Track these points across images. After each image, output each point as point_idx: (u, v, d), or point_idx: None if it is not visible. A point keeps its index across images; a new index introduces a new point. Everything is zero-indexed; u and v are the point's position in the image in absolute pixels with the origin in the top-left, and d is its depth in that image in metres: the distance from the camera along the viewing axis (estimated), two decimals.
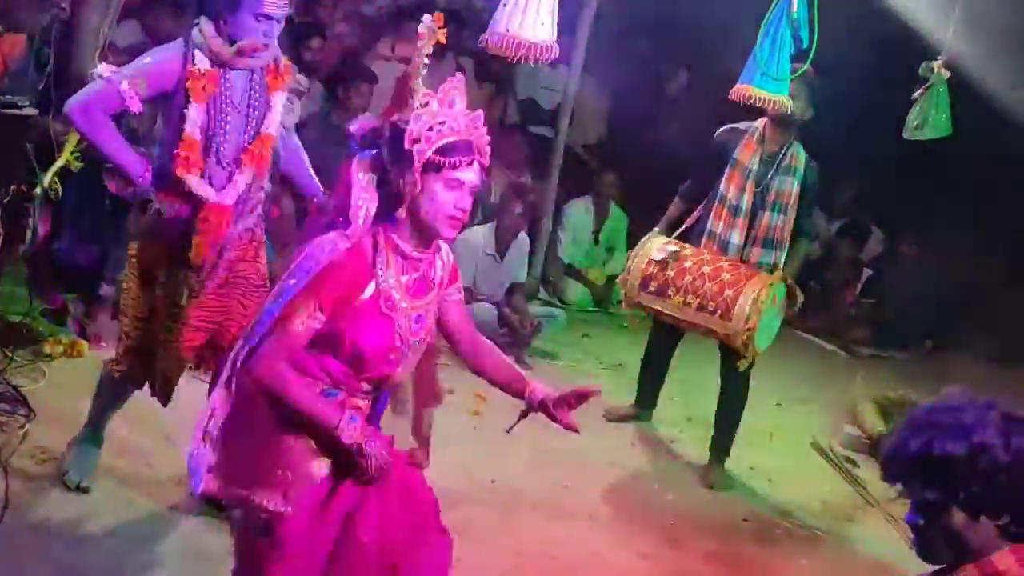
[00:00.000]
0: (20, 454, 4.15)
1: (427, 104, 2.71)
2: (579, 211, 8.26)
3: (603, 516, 4.78)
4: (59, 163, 4.96)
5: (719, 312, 4.93)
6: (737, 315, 4.88)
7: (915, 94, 5.42)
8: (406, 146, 2.66)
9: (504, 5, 3.67)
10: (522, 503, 4.70)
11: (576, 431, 3.05)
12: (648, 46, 9.13)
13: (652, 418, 5.93)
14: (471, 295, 6.84)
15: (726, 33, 5.92)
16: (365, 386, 2.87)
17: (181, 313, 3.76)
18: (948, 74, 5.35)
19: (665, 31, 8.71)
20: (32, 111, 4.79)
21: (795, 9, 4.61)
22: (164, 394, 3.96)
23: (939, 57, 5.33)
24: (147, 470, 4.27)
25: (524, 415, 3.04)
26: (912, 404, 6.52)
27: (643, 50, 9.10)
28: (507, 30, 3.70)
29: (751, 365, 5.18)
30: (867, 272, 9.04)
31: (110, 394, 4.06)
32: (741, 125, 5.29)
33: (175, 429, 4.39)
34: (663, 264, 5.08)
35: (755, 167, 5.16)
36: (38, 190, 4.86)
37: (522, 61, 3.72)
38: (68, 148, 4.95)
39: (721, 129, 5.37)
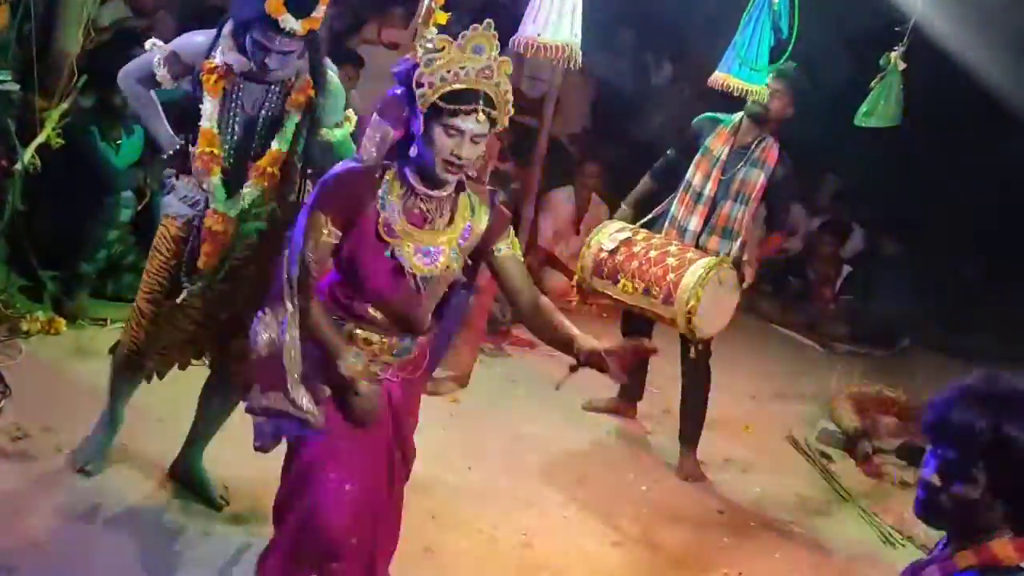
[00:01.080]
0: None
1: (442, 49, 2.79)
2: (560, 200, 8.26)
3: (578, 505, 4.79)
4: (40, 139, 4.93)
5: (662, 296, 4.86)
6: (679, 299, 4.78)
7: (872, 82, 5.48)
8: (414, 88, 2.79)
9: (535, 10, 3.81)
10: (498, 490, 4.71)
11: (624, 382, 3.07)
12: (633, 37, 9.14)
13: (636, 414, 5.86)
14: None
15: (711, 24, 5.95)
16: (376, 316, 2.99)
17: (190, 300, 3.73)
18: (904, 65, 5.41)
19: (651, 22, 8.73)
20: (13, 86, 4.76)
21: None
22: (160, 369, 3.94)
23: (897, 47, 5.38)
24: (132, 448, 4.25)
25: (573, 370, 3.07)
26: (888, 401, 6.59)
27: (629, 41, 9.11)
28: (538, 35, 3.89)
29: (707, 352, 5.16)
30: (847, 269, 9.08)
31: (125, 373, 3.95)
32: (721, 116, 5.28)
33: (166, 410, 4.40)
34: (613, 251, 5.05)
35: (723, 156, 5.14)
36: (18, 166, 4.83)
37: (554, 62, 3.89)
38: (49, 124, 4.93)
39: (701, 116, 5.37)
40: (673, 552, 4.62)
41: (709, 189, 5.15)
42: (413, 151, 2.86)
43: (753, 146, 5.14)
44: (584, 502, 4.84)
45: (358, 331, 3.01)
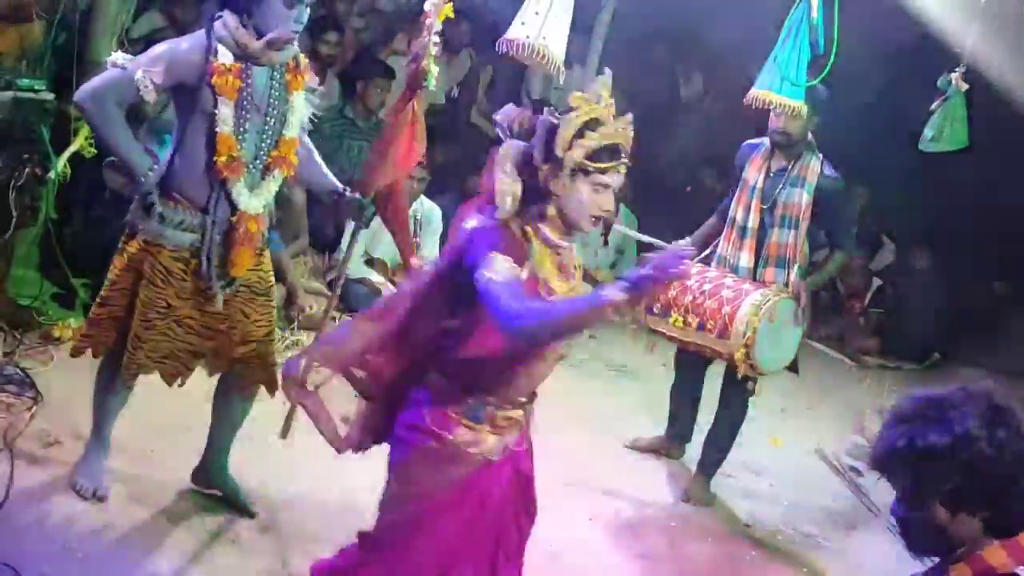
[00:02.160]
0: (26, 437, 4.17)
1: (577, 108, 2.73)
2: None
3: (604, 518, 4.78)
4: (72, 148, 4.98)
5: (717, 330, 4.69)
6: (735, 331, 4.62)
7: (932, 106, 5.38)
8: (556, 152, 2.70)
9: (525, 14, 3.76)
10: None
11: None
12: (664, 51, 9.13)
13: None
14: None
15: (741, 39, 5.92)
16: (525, 386, 2.92)
17: (189, 317, 3.68)
18: (966, 86, 5.31)
19: (681, 36, 8.72)
20: (48, 95, 4.81)
21: (815, 14, 4.58)
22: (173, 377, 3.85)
23: (957, 69, 5.29)
24: (150, 455, 4.28)
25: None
26: None
27: (659, 55, 9.10)
28: (527, 37, 3.81)
29: (751, 390, 4.98)
30: (877, 282, 9.02)
31: (117, 391, 3.89)
32: (756, 141, 5.09)
33: (175, 418, 4.42)
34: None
35: (760, 183, 4.95)
36: (51, 174, 4.88)
37: (536, 65, 3.82)
38: (83, 134, 4.97)
39: (743, 145, 5.16)
40: (699, 565, 4.60)
41: (752, 221, 4.95)
42: (550, 210, 2.77)
43: (789, 167, 4.93)
44: (610, 514, 4.82)
45: (500, 412, 2.88)
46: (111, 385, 3.84)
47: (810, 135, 4.97)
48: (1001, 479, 1.98)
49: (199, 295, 3.64)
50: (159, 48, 3.51)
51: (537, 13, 3.91)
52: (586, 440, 5.41)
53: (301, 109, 3.65)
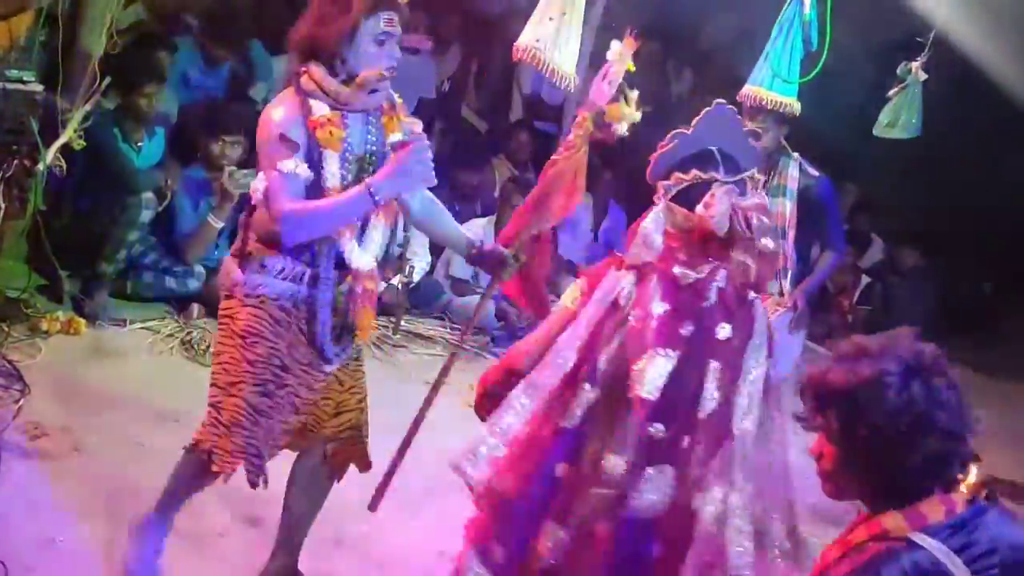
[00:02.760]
0: (13, 429, 4.15)
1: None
2: (578, 208, 8.25)
3: None
4: (62, 140, 4.95)
5: None
6: None
7: (890, 92, 5.43)
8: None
9: (538, 19, 3.71)
10: None
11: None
12: (655, 46, 9.13)
13: None
14: (468, 288, 6.86)
15: (732, 35, 5.94)
16: None
17: (285, 377, 3.25)
18: (924, 76, 5.36)
19: (672, 32, 8.72)
20: (37, 87, 4.78)
21: (807, 10, 4.59)
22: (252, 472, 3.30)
23: (918, 58, 5.33)
24: (148, 446, 4.27)
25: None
26: None
27: (650, 50, 9.10)
28: (537, 41, 3.75)
29: None
30: (865, 280, 9.05)
31: (198, 477, 3.42)
32: None
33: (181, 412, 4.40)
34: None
35: None
36: (40, 166, 4.86)
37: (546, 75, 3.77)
38: (72, 125, 4.95)
39: None
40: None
41: None
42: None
43: (768, 178, 4.91)
44: None
45: None
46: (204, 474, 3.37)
47: (783, 141, 4.97)
48: (899, 435, 1.96)
49: (302, 363, 3.27)
50: (270, 125, 3.12)
51: (551, 19, 3.88)
52: None
53: None
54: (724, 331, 2.77)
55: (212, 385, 3.30)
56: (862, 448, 2.02)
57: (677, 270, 2.75)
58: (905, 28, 5.72)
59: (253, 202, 3.22)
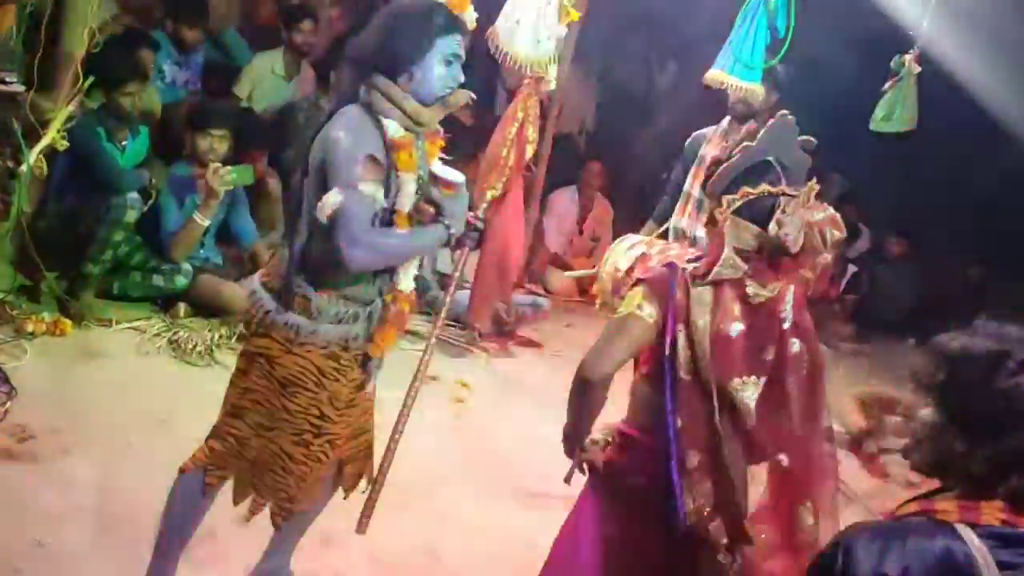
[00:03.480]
0: (1, 432, 4.13)
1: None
2: (565, 200, 8.26)
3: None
4: (45, 141, 4.94)
5: None
6: None
7: (885, 86, 5.46)
8: None
9: (507, 14, 3.70)
10: (503, 493, 4.71)
11: None
12: (639, 39, 9.14)
13: None
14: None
15: (715, 25, 5.93)
16: None
17: (323, 426, 3.14)
18: (919, 68, 5.38)
19: (656, 24, 8.72)
20: (19, 87, 4.77)
21: None
22: (281, 514, 3.21)
23: (911, 50, 5.35)
24: (136, 446, 4.26)
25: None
26: (893, 401, 6.58)
27: (634, 43, 9.11)
28: (502, 36, 3.73)
29: None
30: (852, 269, 9.07)
31: (191, 505, 3.28)
32: (707, 129, 5.23)
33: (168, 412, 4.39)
34: (629, 269, 4.96)
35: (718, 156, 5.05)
36: (23, 167, 4.84)
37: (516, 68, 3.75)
38: (55, 126, 4.94)
39: (688, 140, 5.35)
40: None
41: (696, 191, 5.08)
42: None
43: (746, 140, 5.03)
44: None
45: None
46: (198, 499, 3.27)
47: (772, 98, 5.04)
48: (994, 415, 1.92)
49: (347, 402, 3.18)
50: (350, 144, 2.91)
51: (519, 22, 3.88)
52: None
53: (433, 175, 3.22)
54: (795, 347, 2.83)
55: (229, 415, 3.17)
56: (955, 415, 1.98)
57: (750, 288, 2.75)
58: (886, 16, 5.75)
59: (301, 226, 3.01)
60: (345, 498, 3.52)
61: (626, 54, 8.87)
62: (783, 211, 2.72)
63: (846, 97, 6.87)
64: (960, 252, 9.05)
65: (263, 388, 3.10)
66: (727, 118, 5.16)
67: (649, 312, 2.75)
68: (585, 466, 3.04)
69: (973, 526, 1.89)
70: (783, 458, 2.85)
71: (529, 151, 3.84)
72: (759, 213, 2.75)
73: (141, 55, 6.05)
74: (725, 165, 2.83)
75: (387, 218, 3.01)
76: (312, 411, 3.09)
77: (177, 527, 3.28)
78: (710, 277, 2.75)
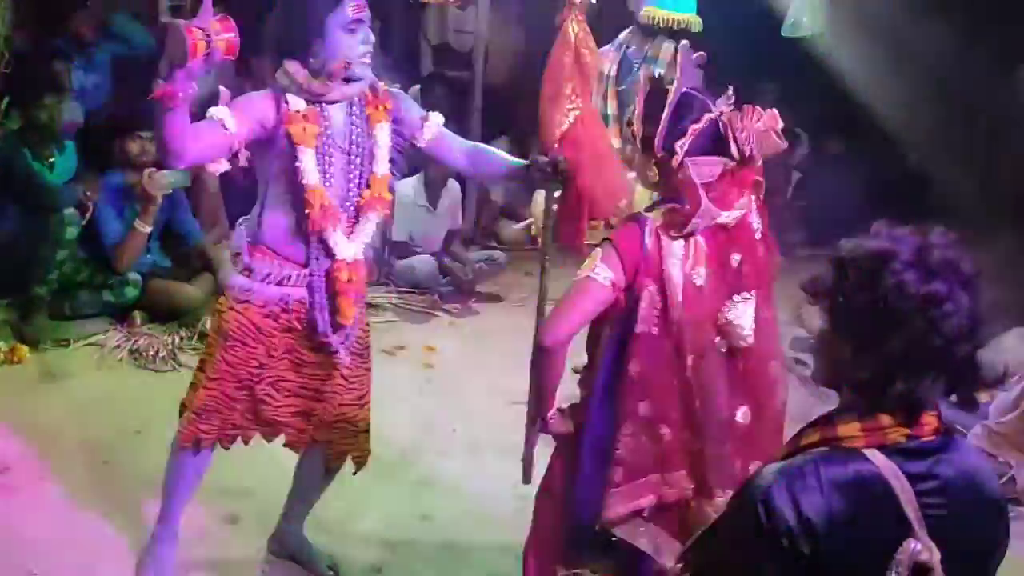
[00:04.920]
0: None
1: None
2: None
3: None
4: None
5: None
6: None
7: None
8: None
9: None
10: (485, 449, 4.73)
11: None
12: None
13: None
14: (409, 248, 6.83)
15: None
16: None
17: (283, 379, 3.32)
18: None
19: None
20: None
21: None
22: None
23: None
24: (113, 462, 4.23)
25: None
26: None
27: None
28: None
29: None
30: (796, 175, 9.12)
31: (193, 461, 3.41)
32: (604, 48, 5.12)
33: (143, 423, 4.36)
34: None
35: (613, 72, 5.01)
36: None
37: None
38: None
39: None
40: None
41: (611, 108, 5.01)
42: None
43: (644, 49, 4.98)
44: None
45: None
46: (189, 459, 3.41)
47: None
48: (884, 314, 1.86)
49: (292, 354, 3.31)
50: (242, 102, 3.17)
51: None
52: None
53: (387, 142, 3.30)
54: (761, 252, 2.93)
55: (196, 370, 3.41)
56: (841, 320, 1.95)
57: (723, 218, 2.75)
58: None
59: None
60: (332, 473, 3.59)
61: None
62: (735, 130, 2.71)
63: (765, 7, 6.90)
64: (899, 140, 9.12)
65: (212, 341, 3.32)
66: (623, 32, 5.08)
67: (605, 275, 2.71)
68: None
69: (881, 447, 1.86)
70: (741, 415, 2.83)
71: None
72: (709, 141, 2.74)
73: (54, 68, 5.94)
74: (666, 116, 2.76)
75: (298, 192, 3.14)
76: (251, 363, 3.26)
77: (185, 491, 3.46)
78: (687, 229, 2.73)
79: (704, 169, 2.73)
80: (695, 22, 4.83)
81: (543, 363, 2.84)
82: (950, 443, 1.92)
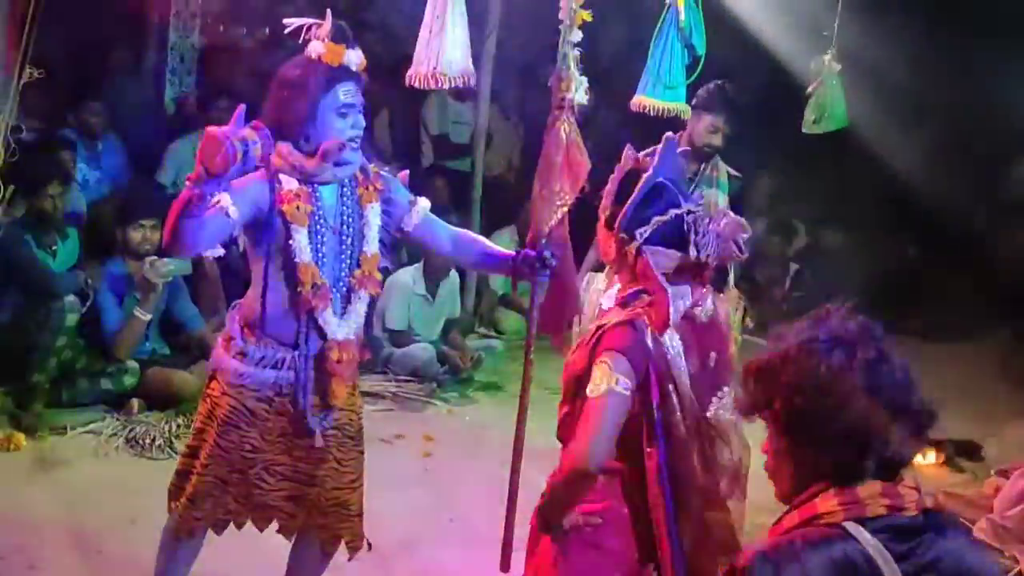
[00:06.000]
0: None
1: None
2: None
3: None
4: None
5: None
6: None
7: (809, 88, 5.54)
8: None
9: (422, 42, 3.68)
10: (482, 539, 4.67)
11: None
12: (551, 70, 9.22)
13: None
14: (407, 337, 6.84)
15: (630, 49, 6.00)
16: None
17: (277, 463, 3.32)
18: (839, 67, 5.48)
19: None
20: None
21: (683, 17, 4.69)
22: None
23: (828, 51, 5.45)
24: (106, 552, 4.18)
25: None
26: None
27: (547, 74, 9.18)
28: (430, 65, 3.71)
29: None
30: (794, 267, 9.18)
31: (185, 549, 3.43)
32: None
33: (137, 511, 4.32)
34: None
35: None
36: None
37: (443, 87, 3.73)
38: None
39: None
40: None
41: None
42: None
43: (700, 170, 5.02)
44: None
45: None
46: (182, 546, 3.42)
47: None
48: (823, 399, 1.87)
49: (286, 437, 3.30)
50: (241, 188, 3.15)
51: (430, 31, 3.86)
52: (539, 469, 5.40)
53: (377, 222, 3.34)
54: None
55: (182, 455, 3.42)
56: (791, 423, 1.92)
57: (699, 310, 2.81)
58: (788, 19, 5.86)
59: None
60: (327, 558, 3.54)
61: (541, 86, 8.94)
62: (697, 232, 2.74)
63: (760, 99, 7.00)
64: (899, 233, 9.20)
65: (206, 426, 3.30)
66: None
67: (625, 385, 2.66)
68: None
69: (862, 521, 1.84)
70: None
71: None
72: (671, 234, 2.77)
73: (59, 157, 6.01)
74: (632, 202, 2.81)
75: (291, 271, 3.18)
76: (244, 447, 3.26)
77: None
78: (672, 322, 2.73)
79: (661, 259, 2.77)
80: (684, 110, 4.90)
81: (581, 485, 2.75)
82: (936, 523, 1.90)
